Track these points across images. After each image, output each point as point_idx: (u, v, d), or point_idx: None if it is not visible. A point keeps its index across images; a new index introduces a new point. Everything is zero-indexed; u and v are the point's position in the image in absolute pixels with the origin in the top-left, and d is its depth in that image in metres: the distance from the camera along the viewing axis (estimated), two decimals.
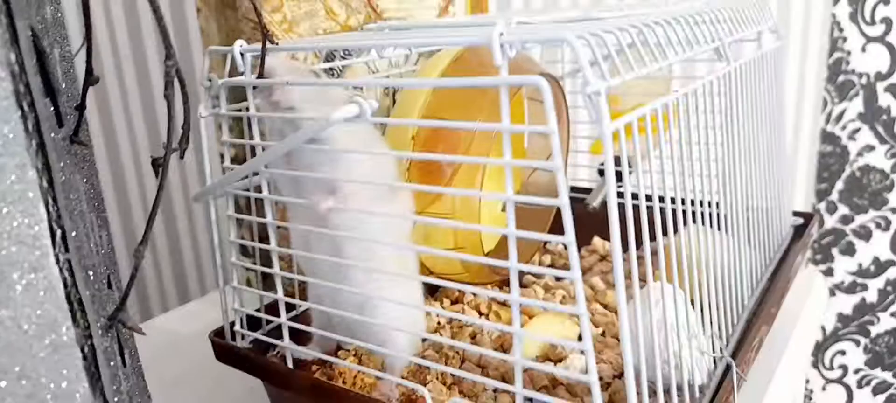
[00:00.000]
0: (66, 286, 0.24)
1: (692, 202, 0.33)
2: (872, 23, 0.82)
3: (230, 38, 0.54)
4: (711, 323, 0.32)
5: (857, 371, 0.96)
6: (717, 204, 0.37)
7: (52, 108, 0.26)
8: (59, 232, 0.23)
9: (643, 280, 0.45)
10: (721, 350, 0.32)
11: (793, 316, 0.49)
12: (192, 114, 0.24)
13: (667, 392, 0.28)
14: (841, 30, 0.83)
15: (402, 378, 0.36)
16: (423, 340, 0.43)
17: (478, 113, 0.41)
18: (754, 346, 0.35)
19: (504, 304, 0.48)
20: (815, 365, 0.96)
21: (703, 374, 0.31)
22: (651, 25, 0.30)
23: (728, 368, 0.31)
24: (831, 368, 0.96)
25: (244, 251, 0.54)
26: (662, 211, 0.29)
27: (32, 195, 0.23)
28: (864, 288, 0.92)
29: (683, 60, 0.31)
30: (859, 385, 0.96)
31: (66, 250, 0.24)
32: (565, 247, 0.60)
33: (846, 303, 0.93)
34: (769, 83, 0.46)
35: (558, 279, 0.55)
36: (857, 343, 0.95)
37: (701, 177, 0.35)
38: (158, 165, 0.26)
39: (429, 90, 0.42)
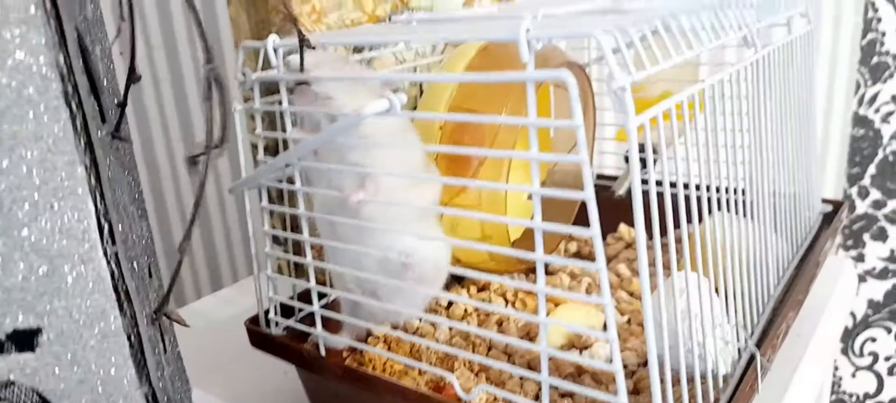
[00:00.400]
0: (113, 277, 0.25)
1: (718, 190, 0.33)
2: None
3: (260, 28, 0.55)
4: (736, 312, 0.32)
5: (888, 359, 0.95)
6: (744, 192, 0.37)
7: (97, 106, 0.27)
8: (106, 226, 0.25)
9: (668, 268, 0.45)
10: (746, 340, 0.32)
11: (821, 303, 0.49)
12: (227, 113, 0.25)
13: (690, 380, 0.29)
14: (875, 9, 0.81)
15: (431, 364, 0.37)
16: (450, 328, 0.44)
17: (504, 101, 0.42)
18: (779, 335, 0.35)
19: (530, 292, 0.49)
20: (844, 352, 0.95)
21: (727, 363, 0.31)
22: (677, 15, 0.30)
23: (752, 357, 0.31)
24: (861, 355, 0.95)
25: (276, 240, 0.55)
26: (687, 198, 0.30)
27: (82, 191, 0.24)
28: None
29: (711, 49, 0.31)
30: (890, 373, 0.95)
31: (113, 243, 0.25)
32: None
33: (877, 290, 0.92)
34: (799, 69, 0.46)
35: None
36: (889, 330, 0.94)
37: (727, 165, 0.35)
38: (194, 162, 0.27)
39: (453, 86, 0.43)
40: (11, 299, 0.24)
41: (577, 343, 0.42)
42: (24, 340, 0.24)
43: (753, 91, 0.36)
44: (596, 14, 0.30)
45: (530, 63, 0.24)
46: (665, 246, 0.38)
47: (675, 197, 0.28)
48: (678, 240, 0.29)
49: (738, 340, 0.32)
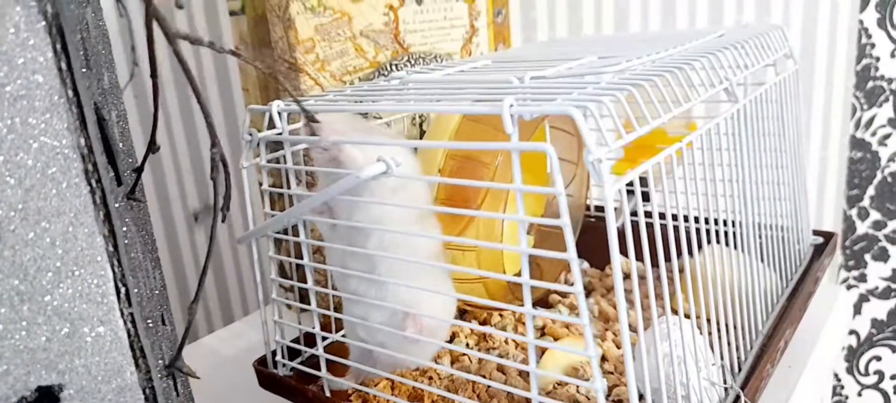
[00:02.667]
0: (129, 336, 0.27)
1: (707, 229, 0.35)
2: None
3: (266, 76, 0.57)
4: (722, 355, 0.34)
5: (893, 377, 0.95)
6: (731, 231, 0.38)
7: (113, 173, 0.29)
8: (123, 290, 0.27)
9: (659, 298, 0.46)
10: (732, 382, 0.33)
11: (813, 334, 0.50)
12: (229, 187, 0.27)
13: None
14: (869, 36, 0.83)
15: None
16: (452, 362, 0.45)
17: (504, 138, 0.43)
18: (766, 370, 0.37)
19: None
20: (849, 371, 0.96)
21: (713, 402, 0.33)
22: (661, 74, 0.32)
23: (738, 397, 0.33)
24: (867, 374, 0.96)
25: (284, 275, 0.57)
26: (668, 234, 0.31)
27: (100, 259, 0.26)
28: None
29: (691, 108, 0.33)
30: None
31: (129, 304, 0.27)
32: (590, 266, 0.62)
33: (881, 309, 0.93)
34: (786, 108, 0.48)
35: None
36: (894, 348, 0.94)
37: (712, 213, 0.36)
38: (196, 219, 0.29)
39: (457, 118, 0.45)
40: (36, 359, 0.26)
41: (575, 374, 0.43)
42: (48, 397, 0.26)
43: (735, 141, 0.38)
44: (582, 75, 0.32)
45: (514, 135, 0.26)
46: (658, 279, 0.39)
47: (663, 230, 0.30)
48: (658, 278, 0.31)
49: (724, 381, 0.33)
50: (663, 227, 0.30)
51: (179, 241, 0.85)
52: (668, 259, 0.33)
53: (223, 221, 0.28)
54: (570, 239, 0.25)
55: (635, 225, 0.27)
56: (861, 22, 0.82)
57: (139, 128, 0.81)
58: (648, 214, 0.29)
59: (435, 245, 0.36)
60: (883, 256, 0.91)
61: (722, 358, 0.33)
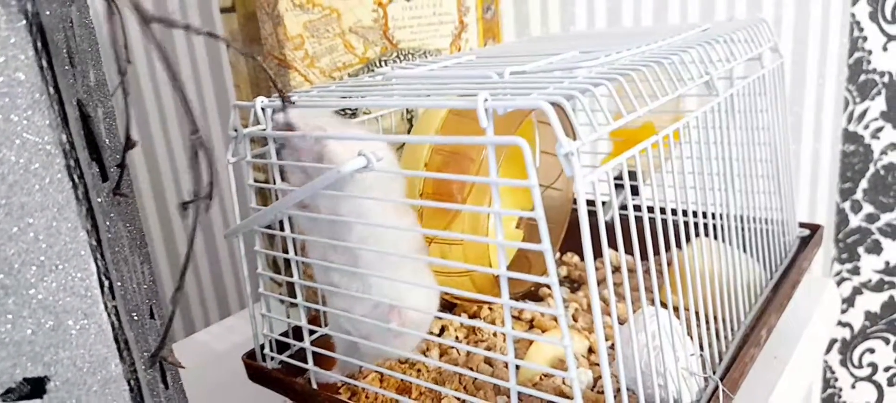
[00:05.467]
0: (113, 328, 0.28)
1: (685, 221, 0.36)
2: (893, 21, 0.81)
3: (257, 72, 0.57)
4: (701, 346, 0.34)
5: (887, 369, 0.96)
6: (716, 224, 0.39)
7: (97, 169, 0.30)
8: (107, 283, 0.27)
9: (647, 291, 0.47)
10: (712, 371, 0.34)
11: (800, 325, 0.51)
12: (214, 172, 0.27)
13: None
14: (861, 29, 0.83)
15: (421, 393, 0.39)
16: (440, 354, 0.46)
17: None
18: (748, 360, 0.37)
19: (517, 318, 0.51)
20: (843, 364, 0.96)
21: (692, 392, 0.33)
22: (638, 69, 0.32)
23: (717, 388, 0.33)
24: (860, 366, 0.96)
25: (276, 267, 0.57)
26: (653, 227, 0.32)
27: (84, 253, 0.26)
28: (892, 286, 0.92)
29: (671, 100, 0.33)
30: (890, 383, 0.96)
31: (113, 298, 0.27)
32: (581, 259, 0.62)
33: (874, 302, 0.93)
34: (771, 101, 0.48)
35: (572, 291, 0.57)
36: (887, 341, 0.95)
37: (692, 205, 0.37)
38: (185, 208, 0.29)
39: (443, 113, 0.45)
40: (22, 351, 0.26)
41: (560, 366, 0.44)
42: (34, 387, 0.27)
43: (718, 132, 0.38)
44: (560, 70, 0.32)
45: (489, 129, 0.26)
46: (647, 271, 0.40)
47: (642, 223, 0.30)
48: (647, 271, 0.31)
49: (704, 371, 0.34)
50: (643, 220, 0.31)
51: (175, 234, 0.86)
52: (656, 252, 0.33)
53: (206, 210, 0.28)
54: (545, 231, 0.26)
55: (621, 218, 0.27)
56: (853, 15, 0.82)
57: (134, 123, 0.81)
58: (627, 207, 0.30)
59: (416, 238, 0.37)
60: (876, 249, 0.91)
61: (701, 349, 0.34)
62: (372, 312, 0.36)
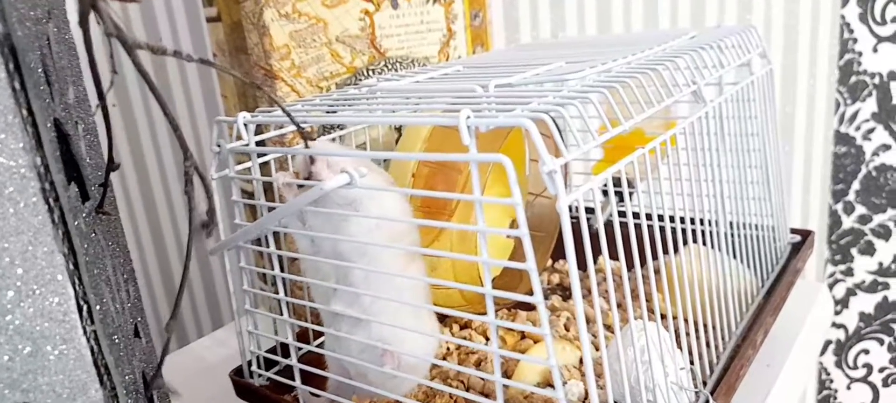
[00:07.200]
0: (93, 353, 0.27)
1: (673, 228, 0.35)
2: (883, 22, 0.81)
3: (244, 82, 0.57)
4: (690, 358, 0.34)
5: (882, 370, 0.96)
6: (707, 231, 0.39)
7: (76, 189, 0.29)
8: (85, 307, 0.27)
9: (635, 299, 0.46)
10: (703, 383, 0.33)
11: (793, 332, 0.51)
12: (210, 198, 0.27)
13: None
14: (851, 31, 0.83)
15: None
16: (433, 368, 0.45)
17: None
18: (739, 373, 0.37)
19: (509, 330, 0.50)
20: (838, 365, 0.96)
21: None
22: (623, 81, 0.32)
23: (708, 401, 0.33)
24: (855, 367, 0.96)
25: (265, 280, 0.57)
26: (639, 234, 0.31)
27: (61, 277, 0.26)
28: (886, 286, 0.92)
29: (658, 111, 0.33)
30: (885, 384, 0.96)
31: (92, 322, 0.27)
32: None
33: (868, 302, 0.93)
34: (760, 107, 0.48)
35: (565, 299, 0.57)
36: (881, 341, 0.95)
37: (679, 212, 0.37)
38: (205, 226, 0.29)
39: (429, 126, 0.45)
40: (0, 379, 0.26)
41: (551, 380, 0.43)
42: None
43: (707, 140, 0.38)
44: (546, 83, 0.32)
45: (472, 146, 0.26)
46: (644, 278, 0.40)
47: (632, 231, 0.30)
48: (636, 281, 0.31)
49: (695, 385, 0.33)
50: (632, 228, 0.30)
51: (166, 246, 0.85)
52: (642, 262, 0.33)
53: (208, 236, 0.28)
54: (530, 250, 0.25)
55: (610, 226, 0.27)
56: (843, 17, 0.82)
57: (123, 135, 0.81)
58: (622, 215, 0.29)
59: (420, 285, 0.37)
60: (869, 250, 0.91)
61: (691, 361, 0.33)
62: (365, 352, 0.36)
